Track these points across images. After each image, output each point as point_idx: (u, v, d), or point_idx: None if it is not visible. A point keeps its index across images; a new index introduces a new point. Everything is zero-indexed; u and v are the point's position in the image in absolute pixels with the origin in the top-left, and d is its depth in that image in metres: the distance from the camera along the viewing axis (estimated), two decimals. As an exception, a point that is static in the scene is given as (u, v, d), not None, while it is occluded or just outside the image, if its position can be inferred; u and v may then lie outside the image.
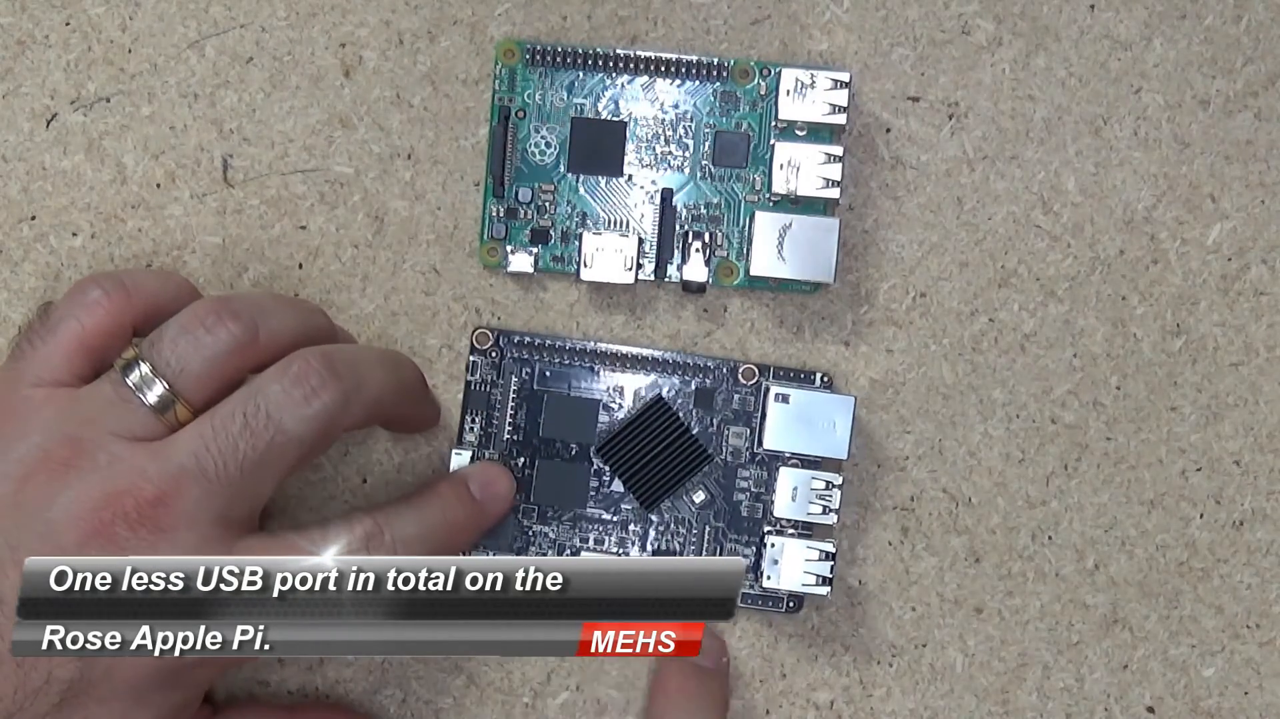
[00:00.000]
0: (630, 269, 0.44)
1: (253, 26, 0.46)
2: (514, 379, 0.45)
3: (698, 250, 0.45)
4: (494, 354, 0.45)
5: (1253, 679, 0.46)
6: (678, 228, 0.45)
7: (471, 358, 0.45)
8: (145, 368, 0.39)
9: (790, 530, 0.44)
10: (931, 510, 0.46)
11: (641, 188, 0.45)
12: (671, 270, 0.45)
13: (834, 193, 0.44)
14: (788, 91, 0.44)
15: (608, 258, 0.44)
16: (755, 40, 0.47)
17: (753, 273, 0.44)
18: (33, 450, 0.38)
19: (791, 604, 0.45)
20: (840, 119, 0.44)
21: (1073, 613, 0.46)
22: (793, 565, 0.44)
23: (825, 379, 0.45)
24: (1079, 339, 0.46)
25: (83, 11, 0.46)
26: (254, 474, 0.39)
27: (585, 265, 0.44)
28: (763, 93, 0.45)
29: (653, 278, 0.45)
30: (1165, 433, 0.46)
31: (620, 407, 0.45)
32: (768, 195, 0.45)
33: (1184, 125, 0.47)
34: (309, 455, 0.40)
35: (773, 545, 0.44)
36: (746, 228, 0.45)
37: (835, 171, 0.44)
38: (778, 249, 0.44)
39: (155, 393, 0.39)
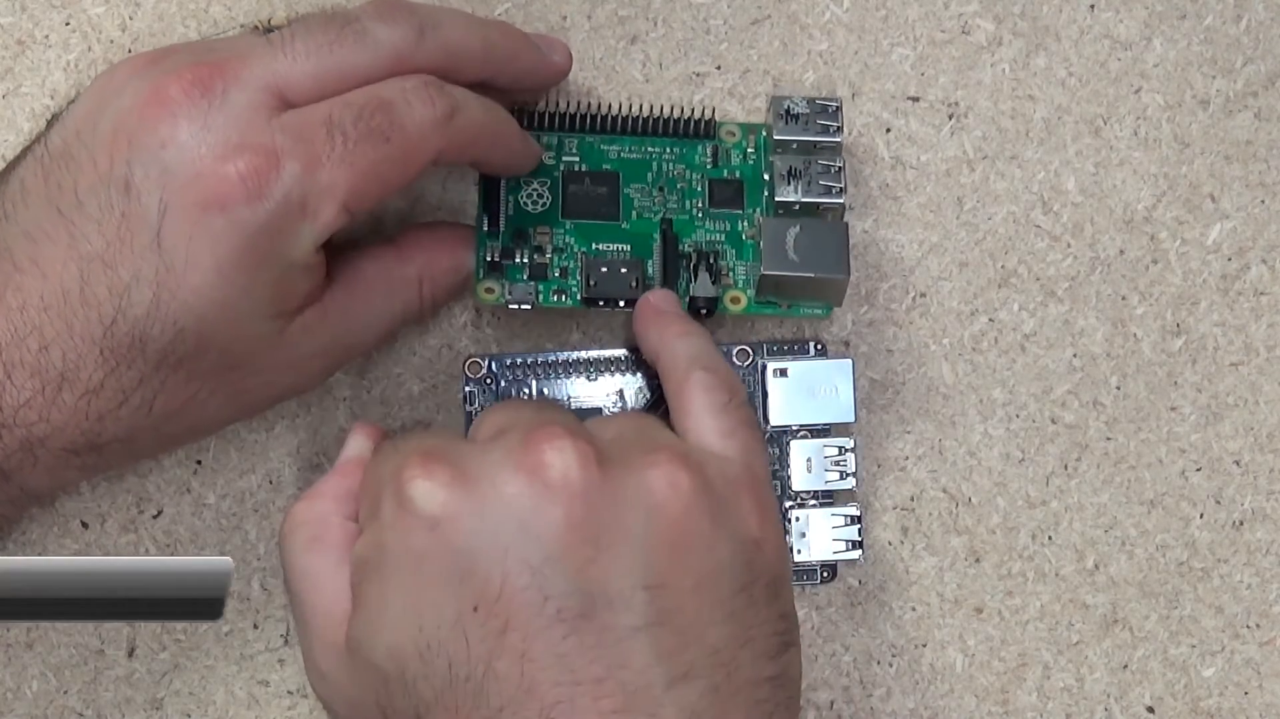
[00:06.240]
0: (636, 287, 0.43)
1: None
2: None
3: (704, 270, 0.43)
4: (489, 381, 0.44)
5: (1253, 679, 0.46)
6: (681, 251, 0.44)
7: (467, 388, 0.44)
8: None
9: (812, 502, 0.44)
10: (931, 510, 0.46)
11: (640, 219, 0.44)
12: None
13: (839, 200, 0.44)
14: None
15: (612, 277, 0.43)
16: (755, 40, 0.47)
17: (765, 271, 0.42)
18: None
19: (826, 574, 0.45)
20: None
21: (1073, 613, 0.46)
22: (820, 535, 0.44)
23: (819, 346, 0.45)
24: (1079, 339, 0.46)
25: (83, 11, 0.46)
26: (321, 75, 0.38)
27: (590, 285, 0.43)
28: (750, 150, 0.45)
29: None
30: (1165, 433, 0.46)
31: (624, 410, 0.45)
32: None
33: (1184, 125, 0.47)
34: (393, 170, 0.39)
35: (797, 519, 0.44)
36: (750, 257, 0.44)
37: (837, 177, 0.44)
38: (788, 249, 0.43)
39: None
